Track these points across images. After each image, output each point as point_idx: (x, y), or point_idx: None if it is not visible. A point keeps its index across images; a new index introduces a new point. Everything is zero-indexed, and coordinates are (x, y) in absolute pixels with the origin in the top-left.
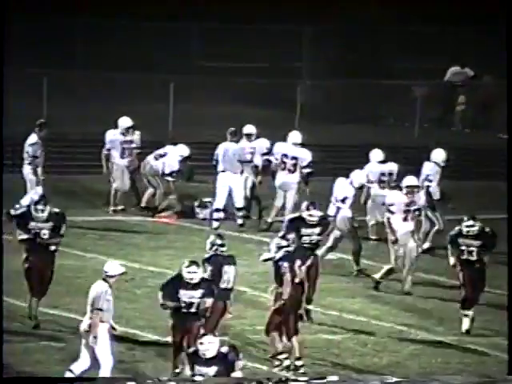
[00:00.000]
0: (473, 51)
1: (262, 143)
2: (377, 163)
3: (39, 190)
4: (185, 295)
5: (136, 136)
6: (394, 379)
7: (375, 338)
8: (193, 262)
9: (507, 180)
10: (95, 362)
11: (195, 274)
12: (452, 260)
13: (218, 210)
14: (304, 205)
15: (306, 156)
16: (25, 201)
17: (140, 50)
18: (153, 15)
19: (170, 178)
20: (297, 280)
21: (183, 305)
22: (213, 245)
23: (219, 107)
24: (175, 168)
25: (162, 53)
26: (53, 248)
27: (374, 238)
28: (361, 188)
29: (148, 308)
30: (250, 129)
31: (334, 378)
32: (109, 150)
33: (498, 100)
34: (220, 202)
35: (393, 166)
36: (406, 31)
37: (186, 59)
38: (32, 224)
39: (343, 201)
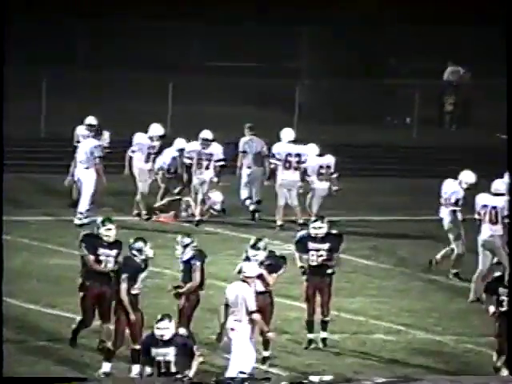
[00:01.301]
0: (472, 51)
1: (217, 149)
2: (315, 156)
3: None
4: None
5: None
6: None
7: (374, 338)
8: (165, 316)
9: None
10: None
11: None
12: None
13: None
14: (312, 219)
15: (306, 152)
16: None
17: (139, 50)
18: (152, 15)
19: (167, 175)
20: (262, 289)
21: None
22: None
23: (218, 107)
24: (172, 163)
25: (161, 52)
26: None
27: (279, 223)
28: (468, 189)
29: (146, 308)
30: (206, 134)
31: (328, 377)
32: (133, 152)
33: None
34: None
35: (330, 159)
36: (405, 31)
37: (185, 59)
38: (101, 250)
39: (456, 203)
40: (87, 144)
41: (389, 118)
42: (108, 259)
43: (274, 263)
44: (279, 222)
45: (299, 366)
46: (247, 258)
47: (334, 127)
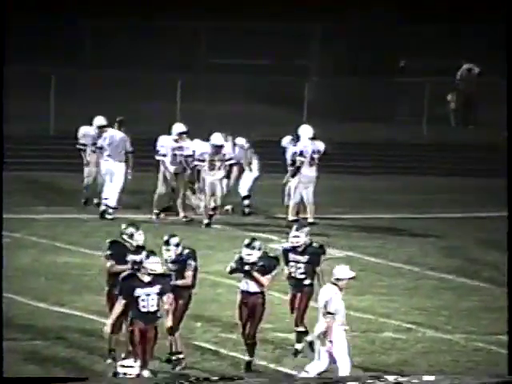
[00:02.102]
0: (483, 49)
1: (228, 149)
2: (308, 139)
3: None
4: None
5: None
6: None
7: (383, 336)
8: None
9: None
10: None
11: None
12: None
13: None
14: (293, 228)
15: (323, 148)
16: (112, 200)
17: (147, 49)
18: (160, 14)
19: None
20: (256, 289)
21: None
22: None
23: (227, 105)
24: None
25: (169, 51)
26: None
27: (291, 218)
28: None
29: None
30: (217, 139)
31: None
32: (164, 156)
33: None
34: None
35: (322, 145)
36: (414, 29)
37: (194, 57)
38: (138, 291)
39: None
40: (116, 138)
41: (400, 117)
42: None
43: (267, 264)
44: (292, 218)
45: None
46: (240, 258)
47: (343, 125)
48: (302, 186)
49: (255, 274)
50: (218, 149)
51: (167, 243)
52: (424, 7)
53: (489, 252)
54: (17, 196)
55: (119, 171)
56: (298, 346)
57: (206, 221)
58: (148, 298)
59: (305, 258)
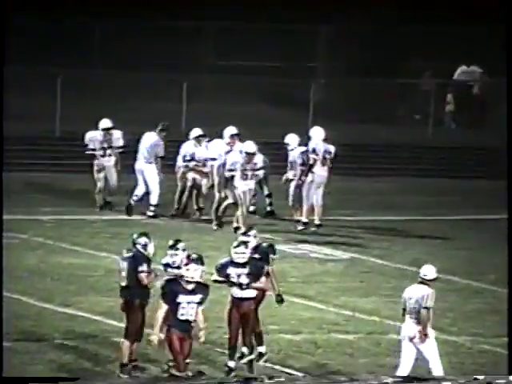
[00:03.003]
0: (486, 50)
1: (259, 158)
2: (321, 141)
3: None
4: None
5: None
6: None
7: (389, 338)
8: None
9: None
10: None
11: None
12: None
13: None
14: (234, 244)
15: (334, 150)
16: (154, 199)
17: (153, 50)
18: (166, 15)
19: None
20: (251, 295)
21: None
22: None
23: (232, 106)
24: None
25: (175, 52)
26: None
27: (304, 220)
28: None
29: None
30: (250, 147)
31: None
32: (189, 161)
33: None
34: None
35: (332, 147)
36: (420, 30)
37: (200, 58)
38: (181, 297)
39: None
40: (149, 139)
41: (417, 117)
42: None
43: (255, 269)
44: (305, 220)
45: (314, 367)
46: (238, 244)
47: (349, 126)
48: (314, 187)
49: (254, 286)
50: (250, 157)
51: (174, 247)
52: (433, 8)
53: (494, 254)
54: (23, 197)
55: (151, 171)
56: (231, 364)
57: (243, 229)
58: (188, 306)
59: (246, 270)
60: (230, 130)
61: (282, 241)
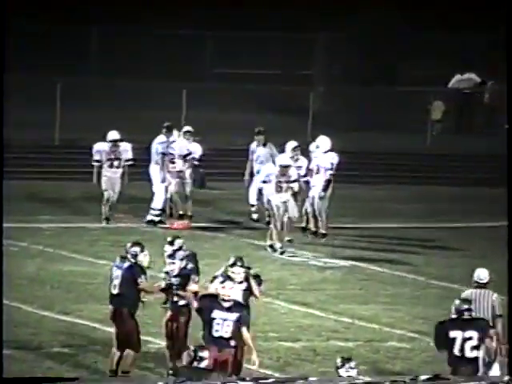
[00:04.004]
0: (486, 57)
1: (293, 171)
2: (329, 151)
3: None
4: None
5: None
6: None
7: (387, 345)
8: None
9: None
10: None
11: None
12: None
13: (252, 206)
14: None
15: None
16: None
17: (153, 57)
18: (166, 23)
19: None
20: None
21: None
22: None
23: (232, 114)
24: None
25: (174, 60)
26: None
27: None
28: None
29: (161, 315)
30: (285, 160)
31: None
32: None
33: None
34: (252, 198)
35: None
36: (419, 38)
37: (199, 66)
38: (216, 312)
39: None
40: (156, 141)
41: (407, 126)
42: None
43: (243, 318)
44: (324, 232)
45: (313, 374)
46: (228, 277)
47: (348, 134)
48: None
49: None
50: (284, 169)
51: (172, 257)
52: (432, 15)
53: (494, 261)
54: (23, 205)
55: (156, 173)
56: None
57: (278, 245)
58: (223, 323)
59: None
60: (292, 143)
61: (281, 249)
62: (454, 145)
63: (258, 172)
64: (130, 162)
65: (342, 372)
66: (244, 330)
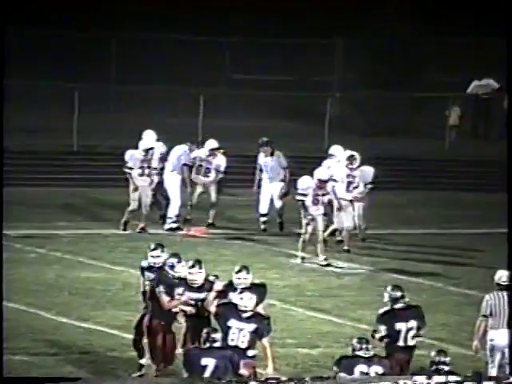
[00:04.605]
0: (500, 62)
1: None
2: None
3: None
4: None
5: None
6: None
7: None
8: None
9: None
10: None
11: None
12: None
13: (263, 215)
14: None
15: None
16: (172, 211)
17: (170, 64)
18: (182, 29)
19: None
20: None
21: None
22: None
23: (249, 120)
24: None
25: (191, 66)
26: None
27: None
28: None
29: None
30: (322, 174)
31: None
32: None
33: None
34: (264, 208)
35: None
36: (436, 43)
37: (216, 73)
38: (232, 321)
39: None
40: (177, 150)
41: (424, 131)
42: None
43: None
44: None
45: (332, 381)
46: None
47: (365, 140)
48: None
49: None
50: (322, 183)
51: (194, 267)
52: (447, 19)
53: None
54: (41, 212)
55: (174, 180)
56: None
57: (321, 257)
58: (239, 333)
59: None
60: (211, 143)
61: (298, 255)
62: (472, 150)
63: (270, 180)
64: (159, 171)
65: (360, 354)
66: (264, 340)
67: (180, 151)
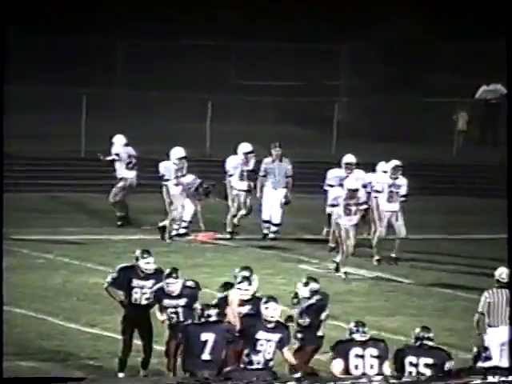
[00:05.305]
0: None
1: (361, 193)
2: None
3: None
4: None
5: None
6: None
7: None
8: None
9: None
10: None
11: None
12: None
13: (266, 222)
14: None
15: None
16: (186, 217)
17: (177, 69)
18: (190, 34)
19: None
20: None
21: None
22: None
23: (256, 125)
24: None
25: (199, 71)
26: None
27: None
28: None
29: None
30: (353, 184)
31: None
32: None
33: None
34: (267, 214)
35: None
36: (444, 48)
37: (224, 78)
38: (260, 333)
39: None
40: (234, 159)
41: (432, 136)
42: (143, 291)
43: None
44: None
45: None
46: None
47: (373, 145)
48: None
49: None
50: (353, 193)
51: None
52: (457, 24)
53: None
54: (49, 217)
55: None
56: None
57: (344, 270)
58: (266, 344)
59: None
60: (245, 147)
61: (306, 261)
62: (480, 156)
63: (274, 186)
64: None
65: (356, 337)
66: (285, 349)
67: (238, 160)
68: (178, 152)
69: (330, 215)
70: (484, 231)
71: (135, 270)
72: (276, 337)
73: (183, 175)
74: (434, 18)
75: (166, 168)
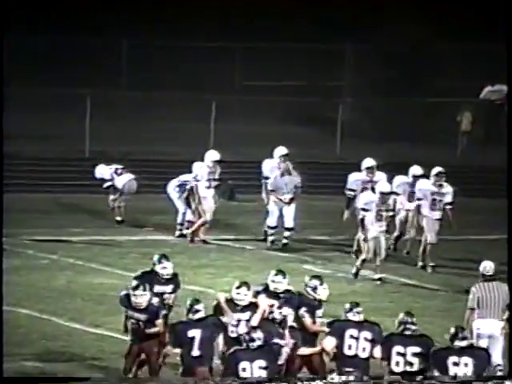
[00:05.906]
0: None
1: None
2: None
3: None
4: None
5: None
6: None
7: None
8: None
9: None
10: None
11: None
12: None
13: (271, 228)
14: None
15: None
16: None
17: (182, 70)
18: (194, 35)
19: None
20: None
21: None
22: None
23: (260, 126)
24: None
25: (203, 72)
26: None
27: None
28: None
29: None
30: (385, 187)
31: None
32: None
33: None
34: (273, 220)
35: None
36: (448, 48)
37: (228, 78)
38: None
39: None
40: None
41: (436, 138)
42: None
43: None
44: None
45: None
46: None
47: (377, 146)
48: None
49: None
50: (385, 197)
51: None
52: (459, 25)
53: None
54: (53, 218)
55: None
56: None
57: (377, 276)
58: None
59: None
60: (280, 150)
61: (310, 261)
62: (484, 156)
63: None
64: (219, 182)
65: (350, 316)
66: (302, 350)
67: (274, 164)
68: (212, 155)
69: (362, 220)
70: (489, 232)
71: (155, 276)
72: (290, 342)
73: (215, 179)
74: (437, 20)
75: (200, 168)
